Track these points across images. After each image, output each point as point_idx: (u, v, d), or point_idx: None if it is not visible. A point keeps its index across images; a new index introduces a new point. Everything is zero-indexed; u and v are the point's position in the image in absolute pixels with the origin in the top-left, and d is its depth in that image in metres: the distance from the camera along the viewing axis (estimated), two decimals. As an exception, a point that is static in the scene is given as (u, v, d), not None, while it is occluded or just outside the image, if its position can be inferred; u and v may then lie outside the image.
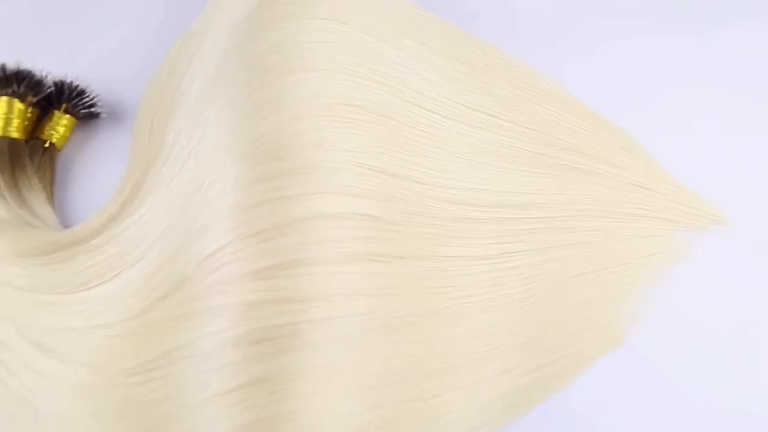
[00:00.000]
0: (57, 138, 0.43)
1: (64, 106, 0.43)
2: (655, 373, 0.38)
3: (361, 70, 0.40)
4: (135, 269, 0.37)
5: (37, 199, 0.41)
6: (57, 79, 0.43)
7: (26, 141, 0.42)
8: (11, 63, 0.42)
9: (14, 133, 0.41)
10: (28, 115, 0.42)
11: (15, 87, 0.41)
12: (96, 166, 0.44)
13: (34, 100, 0.42)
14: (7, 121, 0.41)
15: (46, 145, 0.43)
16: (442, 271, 0.38)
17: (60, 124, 0.43)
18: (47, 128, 0.43)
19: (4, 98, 0.41)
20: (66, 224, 0.42)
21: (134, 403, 0.34)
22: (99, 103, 0.44)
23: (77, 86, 0.44)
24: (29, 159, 0.42)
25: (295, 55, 0.38)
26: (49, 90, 0.43)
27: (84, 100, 0.44)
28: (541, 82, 0.47)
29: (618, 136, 0.45)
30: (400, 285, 0.36)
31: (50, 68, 0.43)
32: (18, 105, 0.41)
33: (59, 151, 0.44)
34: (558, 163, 0.43)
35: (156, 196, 0.39)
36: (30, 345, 0.37)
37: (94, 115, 0.45)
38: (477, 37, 0.48)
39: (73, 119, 0.44)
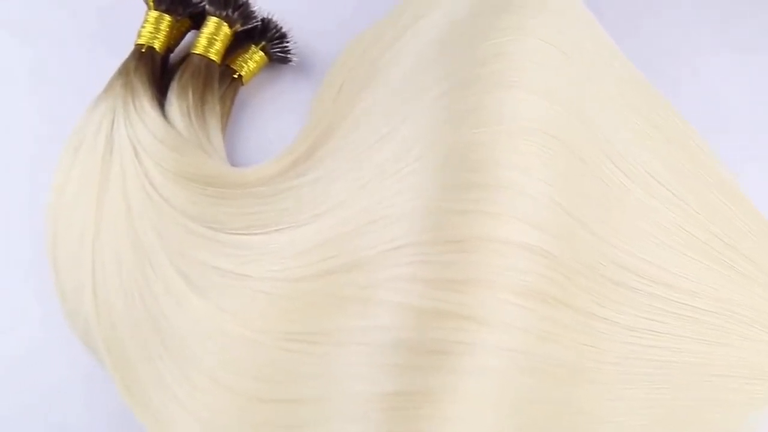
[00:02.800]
0: (246, 72, 0.42)
1: (263, 44, 0.42)
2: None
3: (569, 104, 0.39)
4: (302, 231, 0.37)
5: (215, 126, 0.41)
6: (264, 16, 0.42)
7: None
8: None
9: (213, 55, 0.41)
10: (228, 42, 0.41)
11: (229, 11, 0.40)
12: (272, 111, 0.44)
13: (240, 29, 0.41)
14: (211, 42, 0.40)
15: (235, 75, 0.42)
16: (592, 330, 0.37)
17: (253, 60, 0.43)
18: (240, 60, 0.42)
19: (214, 19, 0.40)
20: (229, 160, 0.41)
21: (282, 369, 0.33)
22: (293, 51, 0.44)
23: (281, 28, 0.43)
24: (218, 85, 0.41)
25: (516, 70, 0.37)
26: (255, 24, 0.42)
27: (283, 44, 0.43)
28: (719, 169, 0.46)
29: (784, 250, 0.44)
30: (558, 333, 0.35)
31: (258, 3, 0.43)
32: (225, 29, 0.41)
33: (243, 85, 0.43)
34: (721, 257, 0.42)
35: (337, 163, 0.38)
36: (175, 272, 0.36)
37: (285, 61, 0.44)
38: (668, 102, 0.47)
39: (265, 58, 0.43)
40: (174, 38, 0.42)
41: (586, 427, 0.35)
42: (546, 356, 0.34)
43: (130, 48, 0.40)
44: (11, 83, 0.43)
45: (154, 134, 0.38)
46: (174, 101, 0.39)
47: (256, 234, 0.37)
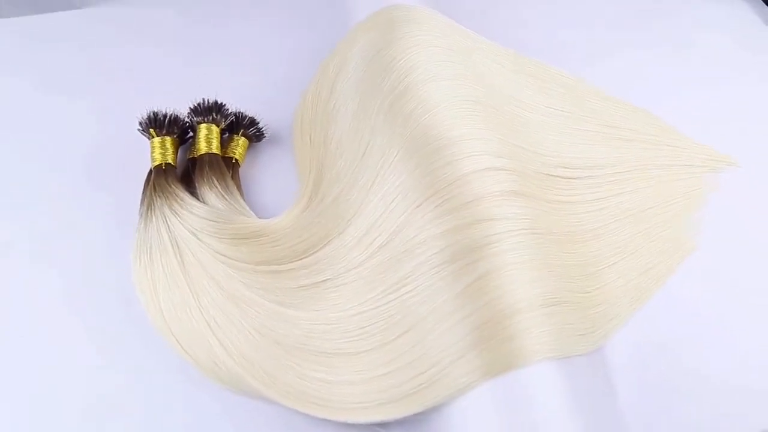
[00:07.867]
0: (239, 155, 0.54)
1: (241, 131, 0.55)
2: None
3: (472, 79, 0.55)
4: (345, 234, 0.49)
5: (239, 199, 0.52)
6: (235, 111, 0.55)
7: (218, 159, 0.54)
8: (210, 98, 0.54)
9: (215, 149, 0.53)
10: (219, 138, 0.53)
11: (213, 115, 0.53)
12: (264, 175, 0.56)
13: (224, 126, 0.53)
14: (209, 142, 0.52)
15: (233, 161, 0.54)
16: (559, 210, 0.52)
17: (239, 145, 0.55)
18: (230, 148, 0.54)
19: (204, 125, 0.53)
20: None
21: (384, 317, 0.44)
22: (264, 129, 0.56)
23: (249, 116, 0.55)
24: (227, 170, 0.53)
25: (431, 70, 0.53)
26: (231, 119, 0.54)
27: (255, 126, 0.55)
28: (585, 86, 0.64)
29: (645, 115, 0.62)
30: (541, 215, 0.49)
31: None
32: (215, 129, 0.53)
33: (240, 166, 0.55)
34: (612, 136, 0.59)
35: (342, 182, 0.51)
36: (273, 303, 0.47)
37: (261, 138, 0.57)
38: (537, 59, 0.65)
39: (247, 141, 0.55)
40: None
41: (592, 275, 0.49)
42: (544, 229, 0.48)
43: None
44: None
45: (205, 218, 0.49)
46: (206, 191, 0.51)
47: (314, 253, 0.49)
